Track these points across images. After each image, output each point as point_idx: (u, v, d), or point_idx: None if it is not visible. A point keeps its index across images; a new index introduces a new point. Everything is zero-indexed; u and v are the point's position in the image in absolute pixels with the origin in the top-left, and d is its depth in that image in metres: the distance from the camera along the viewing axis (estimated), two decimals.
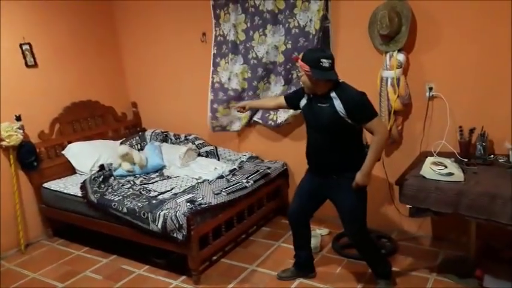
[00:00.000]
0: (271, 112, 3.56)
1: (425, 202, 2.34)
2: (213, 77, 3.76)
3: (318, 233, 3.24)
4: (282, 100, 2.74)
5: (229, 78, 3.69)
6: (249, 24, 3.50)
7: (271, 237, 3.42)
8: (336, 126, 2.29)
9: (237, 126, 3.80)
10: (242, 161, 3.68)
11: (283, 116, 3.48)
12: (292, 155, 3.62)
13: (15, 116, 3.56)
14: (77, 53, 4.09)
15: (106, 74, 4.41)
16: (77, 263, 3.31)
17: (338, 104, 2.24)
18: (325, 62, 2.21)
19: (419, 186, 2.36)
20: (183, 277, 2.93)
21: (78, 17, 4.09)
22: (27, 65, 3.69)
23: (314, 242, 3.04)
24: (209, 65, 3.76)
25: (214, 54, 3.73)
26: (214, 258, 3.13)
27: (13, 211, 3.57)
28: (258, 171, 3.41)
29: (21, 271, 3.27)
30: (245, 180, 3.23)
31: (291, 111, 3.34)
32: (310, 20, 3.19)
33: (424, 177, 2.42)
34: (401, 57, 2.86)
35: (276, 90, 3.50)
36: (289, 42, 3.32)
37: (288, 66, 3.40)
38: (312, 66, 2.22)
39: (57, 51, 3.92)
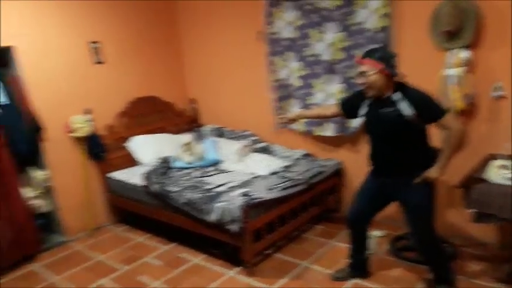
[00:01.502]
0: None
1: (490, 207, 2.25)
2: (271, 75, 3.81)
3: (373, 235, 3.20)
4: (337, 109, 2.63)
5: (288, 75, 3.73)
6: (304, 22, 3.51)
7: (324, 235, 3.43)
8: (404, 130, 2.23)
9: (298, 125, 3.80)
10: (296, 158, 3.72)
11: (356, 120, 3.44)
12: (348, 153, 3.60)
13: (86, 109, 3.84)
14: (141, 51, 4.31)
15: (167, 71, 4.61)
16: (139, 249, 3.52)
17: (405, 106, 2.18)
18: (395, 60, 2.22)
19: (484, 191, 2.28)
20: (238, 268, 3.02)
21: (143, 17, 4.31)
22: (96, 62, 3.96)
23: (369, 243, 3.02)
24: (264, 62, 3.82)
25: (268, 52, 3.78)
26: (268, 252, 3.20)
27: (83, 197, 3.86)
28: (312, 168, 3.42)
29: (88, 253, 3.54)
30: (299, 178, 3.26)
31: None
32: (370, 17, 3.14)
33: (489, 181, 2.32)
34: (465, 54, 2.75)
35: (331, 90, 3.49)
36: (348, 39, 3.30)
37: (345, 64, 3.37)
38: (387, 65, 2.17)
39: (123, 49, 4.16)
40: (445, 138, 2.23)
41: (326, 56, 3.45)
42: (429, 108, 2.19)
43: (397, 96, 2.21)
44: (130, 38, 4.21)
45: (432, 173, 2.26)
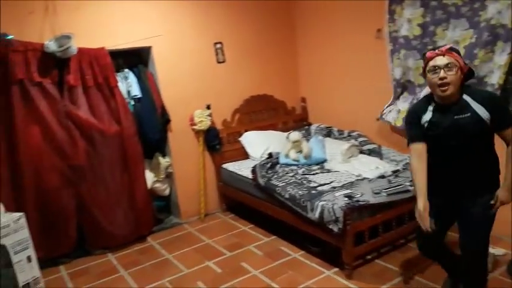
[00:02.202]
0: None
1: None
2: (392, 74, 3.68)
3: (492, 253, 2.85)
4: (422, 149, 2.09)
5: (404, 73, 3.56)
6: (428, 19, 3.30)
7: None
8: (484, 137, 1.99)
9: (391, 118, 3.63)
10: (408, 163, 3.51)
11: None
12: None
13: (206, 105, 4.20)
14: (258, 51, 4.54)
15: (281, 70, 4.76)
16: (243, 237, 3.72)
17: (480, 109, 1.92)
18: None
19: None
20: (336, 269, 2.99)
21: (262, 19, 4.53)
22: (218, 61, 4.29)
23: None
24: (383, 61, 3.69)
25: (391, 50, 3.64)
26: (369, 257, 3.09)
27: (198, 184, 4.22)
28: None
29: (199, 236, 3.87)
30: (408, 183, 3.07)
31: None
32: (500, 12, 2.82)
33: None
34: None
35: None
36: (475, 36, 3.00)
37: (466, 62, 3.07)
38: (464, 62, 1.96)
39: (242, 50, 4.43)
40: (509, 154, 1.97)
41: None
42: (502, 111, 1.96)
43: (467, 98, 1.95)
44: (249, 39, 4.46)
45: (503, 197, 2.01)
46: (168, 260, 3.44)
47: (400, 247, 3.22)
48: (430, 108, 2.04)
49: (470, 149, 1.99)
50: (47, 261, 3.35)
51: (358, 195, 2.91)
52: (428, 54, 1.97)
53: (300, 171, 3.67)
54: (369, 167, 3.51)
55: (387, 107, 3.72)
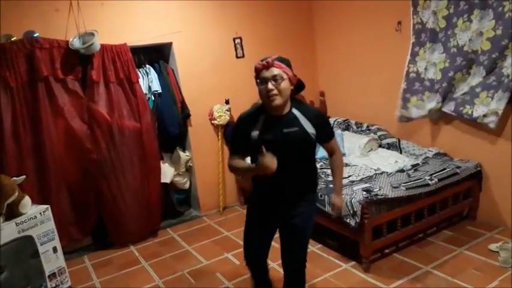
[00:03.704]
0: (467, 105, 3.21)
1: None
2: (409, 67, 3.62)
3: (510, 247, 2.81)
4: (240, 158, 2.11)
5: (425, 68, 3.50)
6: (452, 10, 3.23)
7: (452, 241, 3.14)
8: (307, 150, 2.07)
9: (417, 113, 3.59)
10: (427, 157, 3.47)
11: (481, 109, 3.11)
12: (489, 155, 3.22)
13: (225, 99, 4.24)
14: (277, 46, 4.52)
15: (300, 64, 4.71)
16: None
17: (307, 124, 1.98)
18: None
19: None
20: (353, 262, 2.99)
21: (281, 12, 4.52)
22: (237, 57, 4.32)
23: (506, 256, 2.67)
24: (402, 55, 3.64)
25: (413, 43, 3.58)
26: (387, 251, 3.08)
27: (217, 178, 4.28)
28: (444, 169, 3.16)
29: (217, 228, 3.93)
30: (428, 178, 3.04)
31: (495, 104, 2.98)
32: None
33: None
34: None
35: (473, 82, 3.15)
36: (500, 28, 2.93)
37: (493, 56, 3.01)
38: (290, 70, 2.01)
39: (261, 44, 4.43)
40: (334, 163, 2.16)
41: (472, 47, 3.12)
42: (326, 126, 2.10)
43: (296, 112, 1.98)
44: (267, 34, 4.47)
45: (337, 200, 2.17)
46: (188, 251, 3.51)
47: (419, 241, 3.19)
48: (262, 119, 1.99)
49: (297, 161, 2.02)
50: (71, 252, 3.48)
51: (376, 189, 2.90)
52: (257, 65, 1.96)
53: (318, 165, 3.66)
54: (388, 161, 3.49)
55: (402, 103, 3.66)
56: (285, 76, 1.92)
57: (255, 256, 2.27)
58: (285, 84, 1.91)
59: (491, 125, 3.09)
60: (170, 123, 3.91)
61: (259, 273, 2.36)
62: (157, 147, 3.80)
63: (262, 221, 2.19)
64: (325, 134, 2.06)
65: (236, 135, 2.12)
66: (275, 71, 1.91)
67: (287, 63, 1.97)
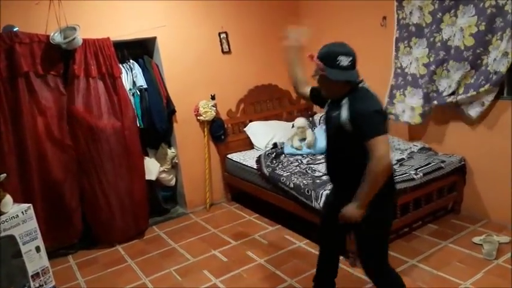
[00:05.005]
0: (452, 96, 3.24)
1: None
2: (395, 62, 3.65)
3: (496, 240, 2.86)
4: (307, 90, 2.33)
5: (410, 63, 3.53)
6: (437, 6, 3.25)
7: (438, 235, 3.18)
8: (345, 140, 1.92)
9: (407, 116, 3.58)
10: (412, 152, 3.50)
11: (474, 106, 3.14)
12: (473, 149, 3.28)
13: (211, 95, 4.21)
14: (262, 40, 4.50)
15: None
16: (247, 226, 3.76)
17: (345, 112, 1.87)
18: (344, 60, 1.86)
19: None
20: (341, 258, 2.99)
21: (267, 7, 4.48)
22: (222, 52, 4.28)
23: (490, 248, 2.72)
24: (388, 50, 3.67)
25: (396, 38, 3.60)
26: None
27: (203, 175, 4.25)
28: (429, 164, 3.20)
29: (204, 225, 3.90)
30: (413, 172, 3.07)
31: (483, 100, 3.05)
32: None
33: None
34: None
35: (455, 77, 3.19)
36: (483, 23, 2.97)
37: (478, 51, 3.04)
38: (328, 65, 1.87)
39: (247, 39, 4.40)
40: (366, 169, 1.81)
41: (456, 42, 3.15)
42: (360, 125, 1.83)
43: (344, 100, 1.90)
44: (254, 29, 4.43)
45: (349, 211, 1.89)
46: (174, 249, 3.48)
47: (404, 235, 3.23)
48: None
49: (335, 148, 2.04)
50: (54, 252, 3.41)
51: None
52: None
53: (305, 161, 3.68)
54: None
55: (389, 100, 3.68)
56: (317, 71, 1.95)
57: (321, 232, 2.35)
58: (319, 78, 1.97)
59: (472, 114, 3.15)
60: (158, 120, 3.85)
61: (322, 251, 2.36)
62: (139, 144, 3.72)
63: (330, 203, 2.27)
64: (359, 132, 1.84)
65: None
66: (314, 66, 1.98)
67: (321, 52, 1.93)
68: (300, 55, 2.42)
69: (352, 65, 1.89)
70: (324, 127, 2.20)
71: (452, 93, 3.24)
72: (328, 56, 1.88)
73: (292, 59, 2.45)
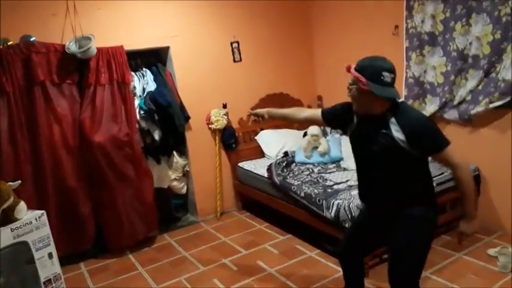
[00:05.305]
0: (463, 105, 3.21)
1: None
2: (406, 72, 3.63)
3: (510, 251, 2.80)
4: (317, 114, 2.25)
5: (425, 71, 3.50)
6: (448, 14, 3.24)
7: (451, 246, 3.13)
8: (394, 158, 1.84)
9: None
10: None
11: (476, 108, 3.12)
12: (487, 157, 3.23)
13: (223, 104, 4.23)
14: (274, 50, 4.53)
15: (298, 69, 4.75)
16: (258, 235, 3.74)
17: (397, 131, 1.78)
18: (387, 76, 1.78)
19: None
20: None
21: (278, 17, 4.52)
22: (234, 61, 4.31)
23: (505, 261, 2.66)
24: (400, 59, 3.65)
25: (407, 47, 3.59)
26: (386, 256, 3.05)
27: (214, 183, 4.26)
28: (442, 173, 3.15)
29: (215, 233, 3.90)
30: None
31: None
32: None
33: None
34: None
35: (470, 86, 3.16)
36: (498, 32, 2.94)
37: (493, 59, 3.02)
38: (370, 79, 1.77)
39: (259, 48, 4.43)
40: (457, 180, 1.83)
41: (473, 51, 3.13)
42: (422, 140, 1.77)
43: (392, 119, 1.82)
44: (265, 38, 4.46)
45: (465, 227, 1.94)
46: (185, 257, 3.48)
47: None
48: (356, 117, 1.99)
49: (383, 167, 1.89)
50: (67, 259, 3.43)
51: None
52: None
53: (316, 170, 3.66)
54: None
55: None
56: (354, 84, 1.86)
57: (343, 251, 2.27)
58: (354, 92, 1.87)
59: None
60: (176, 117, 3.77)
61: (345, 269, 2.29)
62: (141, 150, 3.69)
63: (361, 221, 2.20)
64: (423, 148, 1.79)
65: (341, 107, 2.13)
66: (350, 77, 1.89)
67: (361, 65, 1.85)
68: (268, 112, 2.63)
69: (393, 81, 1.82)
70: (355, 146, 2.02)
71: (461, 102, 3.21)
72: (372, 70, 1.79)
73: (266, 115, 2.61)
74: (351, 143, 2.05)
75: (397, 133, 1.78)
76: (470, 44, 3.13)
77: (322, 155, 3.86)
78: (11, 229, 2.49)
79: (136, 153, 3.61)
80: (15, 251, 2.51)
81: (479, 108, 3.11)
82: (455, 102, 3.29)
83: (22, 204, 2.61)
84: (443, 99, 3.37)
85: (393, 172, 1.88)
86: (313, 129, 3.94)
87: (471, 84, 3.16)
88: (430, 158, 1.92)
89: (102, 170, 3.45)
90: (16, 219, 2.54)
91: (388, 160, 1.86)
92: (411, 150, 1.77)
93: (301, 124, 3.80)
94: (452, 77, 3.28)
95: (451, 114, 3.38)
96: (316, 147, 3.91)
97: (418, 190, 1.90)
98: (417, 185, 1.90)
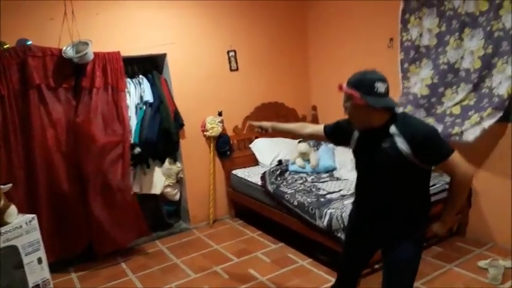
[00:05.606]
0: (456, 127, 3.22)
1: None
2: (403, 83, 3.67)
3: (501, 264, 2.81)
4: (320, 131, 2.23)
5: (415, 83, 3.55)
6: (443, 28, 3.29)
7: (442, 258, 3.14)
8: (398, 170, 1.79)
9: None
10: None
11: (472, 131, 3.08)
12: (478, 171, 3.25)
13: (218, 111, 4.25)
14: (270, 59, 4.57)
15: (293, 78, 4.79)
16: (250, 243, 3.73)
17: (401, 142, 1.74)
18: (381, 86, 1.76)
19: None
20: None
21: (275, 27, 4.57)
22: (230, 69, 4.34)
23: (495, 273, 2.68)
24: (394, 71, 3.69)
25: (401, 60, 3.64)
26: (377, 266, 3.06)
27: (208, 190, 4.25)
28: (434, 185, 3.17)
29: (207, 241, 3.89)
30: None
31: (484, 125, 3.00)
32: None
33: None
34: None
35: (459, 99, 3.20)
36: (490, 46, 2.99)
37: (483, 73, 3.06)
38: (364, 93, 1.75)
39: (255, 58, 4.47)
40: (451, 187, 1.85)
41: (466, 65, 3.17)
42: (427, 149, 1.73)
43: (392, 129, 1.78)
44: (262, 47, 4.51)
45: (438, 229, 1.96)
46: (176, 264, 3.46)
47: None
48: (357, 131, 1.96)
49: (385, 181, 1.84)
50: (57, 264, 3.40)
51: None
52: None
53: (309, 179, 3.67)
54: None
55: None
56: (348, 100, 1.84)
57: (345, 268, 2.24)
58: (349, 107, 1.83)
59: (470, 138, 3.08)
60: (169, 126, 3.85)
61: (341, 283, 2.25)
62: (128, 158, 3.63)
63: (354, 237, 2.10)
64: (428, 157, 1.75)
65: (342, 122, 2.10)
66: (343, 96, 1.88)
67: (354, 79, 1.83)
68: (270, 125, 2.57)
69: (387, 91, 1.79)
70: (358, 160, 1.97)
71: (454, 123, 3.22)
72: (364, 83, 1.77)
73: (270, 129, 2.56)
74: (355, 157, 2.00)
75: (400, 144, 1.74)
76: (462, 58, 3.17)
77: (313, 167, 3.90)
78: (0, 233, 2.47)
79: (127, 157, 3.58)
80: (4, 255, 2.49)
81: (467, 125, 3.10)
82: (438, 111, 3.31)
83: (13, 208, 2.59)
84: (426, 112, 3.38)
85: (397, 185, 1.83)
86: (301, 147, 3.99)
87: (459, 97, 3.20)
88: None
89: (94, 169, 3.42)
90: (6, 223, 2.52)
91: (392, 172, 1.82)
92: (415, 160, 1.73)
93: (307, 138, 3.80)
94: (442, 89, 3.31)
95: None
96: (308, 160, 3.96)
97: (419, 202, 1.89)
98: (418, 198, 1.89)
